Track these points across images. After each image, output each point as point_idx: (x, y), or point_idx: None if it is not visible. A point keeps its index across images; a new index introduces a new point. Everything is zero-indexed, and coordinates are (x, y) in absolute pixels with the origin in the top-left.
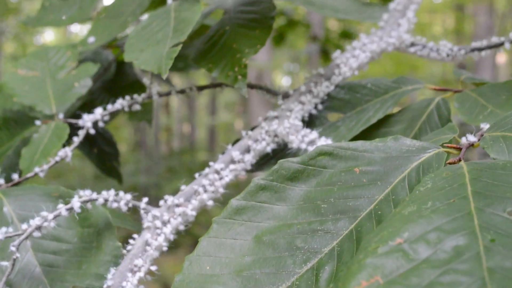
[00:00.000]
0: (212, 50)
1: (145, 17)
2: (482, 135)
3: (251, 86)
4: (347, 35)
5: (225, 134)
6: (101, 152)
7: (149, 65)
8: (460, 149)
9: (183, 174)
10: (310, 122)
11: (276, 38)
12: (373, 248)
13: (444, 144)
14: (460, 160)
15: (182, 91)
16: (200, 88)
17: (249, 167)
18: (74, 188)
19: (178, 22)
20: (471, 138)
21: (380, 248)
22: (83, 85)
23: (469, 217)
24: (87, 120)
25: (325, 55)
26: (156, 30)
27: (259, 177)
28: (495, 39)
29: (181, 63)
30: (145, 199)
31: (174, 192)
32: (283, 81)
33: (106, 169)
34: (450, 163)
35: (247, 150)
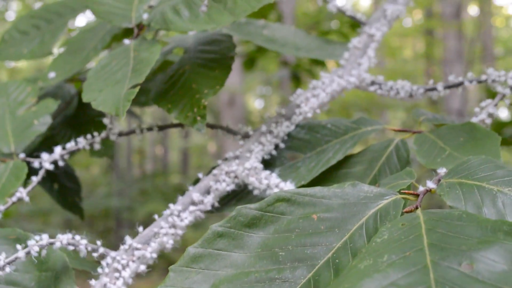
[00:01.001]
0: (172, 90)
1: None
2: (439, 181)
3: (211, 127)
4: (318, 61)
5: (198, 156)
6: (62, 188)
7: (107, 107)
8: (417, 195)
9: (156, 197)
10: (270, 162)
11: (246, 62)
12: None
13: (402, 191)
14: (417, 207)
15: (142, 130)
16: (161, 128)
17: (209, 208)
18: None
19: (137, 62)
20: (429, 184)
21: None
22: (43, 123)
23: (425, 271)
24: (45, 160)
25: (296, 79)
26: (115, 70)
27: (217, 224)
28: (452, 79)
29: (143, 98)
30: (99, 243)
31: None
32: (256, 104)
33: (68, 204)
34: (407, 212)
35: (207, 191)
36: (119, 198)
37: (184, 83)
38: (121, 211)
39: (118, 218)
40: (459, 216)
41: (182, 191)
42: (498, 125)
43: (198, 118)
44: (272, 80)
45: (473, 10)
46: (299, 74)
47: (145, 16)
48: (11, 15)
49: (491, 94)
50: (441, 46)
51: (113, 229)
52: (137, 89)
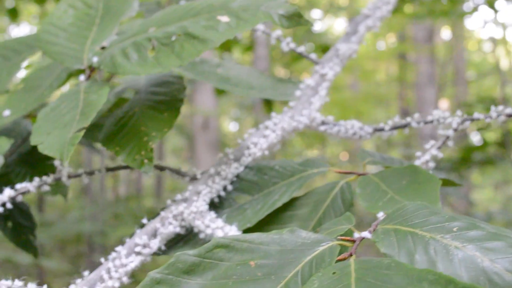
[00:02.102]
0: (120, 132)
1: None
2: (376, 227)
3: (160, 169)
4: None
5: (172, 180)
6: (16, 226)
7: (52, 151)
8: (354, 241)
9: (129, 220)
10: (219, 204)
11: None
12: None
13: (338, 237)
14: (351, 255)
15: (91, 173)
16: (109, 169)
17: (156, 252)
18: None
19: (85, 105)
20: (363, 233)
21: None
22: None
23: None
24: None
25: (268, 103)
26: (64, 112)
27: (155, 271)
28: (398, 120)
29: (101, 135)
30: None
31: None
32: (230, 127)
33: (21, 243)
34: (340, 259)
35: (154, 234)
36: (92, 222)
37: (133, 125)
38: (93, 235)
39: (90, 243)
40: (388, 265)
41: (155, 214)
42: (468, 150)
43: (145, 161)
44: (245, 103)
45: (445, 34)
46: (270, 99)
47: (96, 58)
48: None
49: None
50: (414, 70)
51: (85, 254)
52: (82, 133)
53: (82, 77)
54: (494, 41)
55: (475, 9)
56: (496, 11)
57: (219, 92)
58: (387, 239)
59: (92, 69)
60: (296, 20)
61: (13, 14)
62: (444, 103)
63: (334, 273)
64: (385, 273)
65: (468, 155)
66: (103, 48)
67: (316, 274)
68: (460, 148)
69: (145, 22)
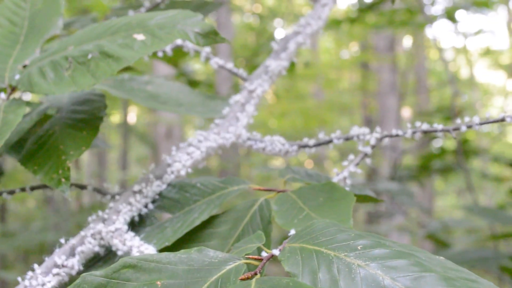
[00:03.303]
0: (40, 151)
1: None
2: (285, 245)
3: (79, 187)
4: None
5: None
6: None
7: None
8: (261, 260)
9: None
10: (140, 222)
11: None
12: None
13: (247, 255)
14: (255, 274)
15: (11, 192)
16: (33, 188)
17: (74, 272)
18: None
19: (3, 124)
20: (274, 250)
21: None
22: None
23: None
24: None
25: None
26: None
27: None
28: (323, 137)
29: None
30: None
31: None
32: None
33: None
34: (243, 279)
35: (73, 253)
36: (55, 232)
37: (51, 144)
38: (57, 245)
39: (53, 253)
40: (286, 284)
41: None
42: (428, 157)
43: (63, 180)
44: None
45: (407, 42)
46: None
47: (17, 76)
48: None
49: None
50: (376, 79)
51: None
52: None
53: (3, 96)
54: (446, 53)
55: (433, 20)
56: (455, 22)
57: None
58: (293, 257)
59: (13, 88)
60: (212, 38)
61: None
62: (406, 111)
63: None
64: None
65: (427, 163)
66: (24, 66)
67: None
68: (419, 156)
69: (66, 40)
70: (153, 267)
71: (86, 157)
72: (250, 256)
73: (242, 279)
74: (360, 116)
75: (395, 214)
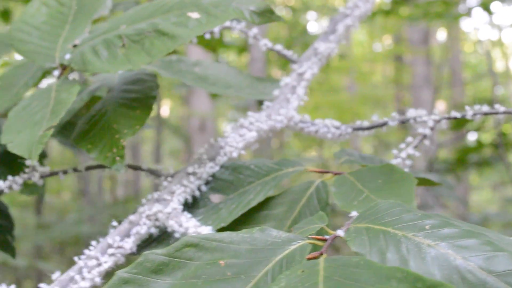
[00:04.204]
0: (93, 130)
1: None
2: (349, 226)
3: (133, 168)
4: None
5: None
6: None
7: (21, 150)
8: (326, 240)
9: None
10: (194, 203)
11: None
12: None
13: (310, 236)
14: (321, 254)
15: (65, 172)
16: (88, 168)
17: (129, 252)
18: None
19: (56, 103)
20: (338, 231)
21: None
22: None
23: None
24: None
25: (261, 104)
26: (35, 111)
27: (123, 270)
28: (376, 120)
29: (74, 133)
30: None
31: None
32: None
33: None
34: (310, 258)
35: (127, 234)
36: (90, 224)
37: (105, 123)
38: (92, 237)
39: (88, 245)
40: (356, 263)
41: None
42: (465, 151)
43: (117, 158)
44: (241, 105)
45: (441, 35)
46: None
47: (67, 56)
48: None
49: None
50: (410, 72)
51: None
52: (50, 132)
53: (56, 73)
54: (485, 44)
55: (469, 11)
56: (490, 13)
57: (213, 95)
58: (359, 237)
59: (64, 67)
60: (267, 16)
61: (5, 16)
62: (440, 105)
63: (302, 271)
64: (354, 271)
65: (463, 156)
66: (75, 46)
67: (284, 272)
68: (456, 149)
69: (117, 19)
70: (215, 246)
71: None
72: (314, 237)
73: (309, 258)
74: (394, 109)
75: (434, 206)
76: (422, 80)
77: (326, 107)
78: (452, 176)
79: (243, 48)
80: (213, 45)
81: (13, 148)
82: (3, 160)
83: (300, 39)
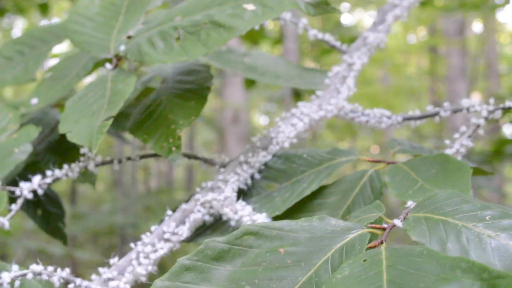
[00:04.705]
0: (148, 120)
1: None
2: (406, 215)
3: (188, 156)
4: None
5: (203, 173)
6: (46, 213)
7: (81, 139)
8: (384, 229)
9: (160, 213)
10: (247, 192)
11: (247, 81)
12: None
13: (369, 224)
14: (381, 242)
15: (120, 161)
16: (143, 157)
17: (184, 239)
18: None
19: (113, 94)
20: (395, 221)
21: None
22: (23, 151)
23: None
24: (24, 189)
25: (297, 96)
26: (92, 101)
27: (184, 257)
28: (430, 109)
29: (129, 123)
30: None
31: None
32: (260, 121)
33: (51, 230)
34: (370, 247)
35: (183, 221)
36: (124, 215)
37: (160, 113)
38: (125, 227)
39: (122, 235)
40: (419, 253)
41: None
42: (501, 143)
43: (173, 148)
44: (275, 96)
45: (476, 27)
46: (300, 91)
47: (122, 47)
48: (17, 33)
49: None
50: (445, 63)
51: (117, 245)
52: (110, 122)
53: (108, 66)
54: None
55: (506, 1)
56: None
57: (248, 85)
58: (418, 227)
59: (118, 58)
60: (323, 7)
61: (44, 9)
62: (476, 96)
63: (365, 260)
64: (417, 261)
65: (500, 148)
66: (129, 37)
67: (347, 261)
68: (492, 141)
69: (171, 11)
70: (275, 235)
71: None
72: (373, 225)
73: (370, 247)
74: (428, 101)
75: (473, 196)
76: (457, 71)
77: (360, 99)
78: (488, 168)
79: (278, 40)
80: (255, 36)
81: (73, 138)
82: (56, 150)
83: (334, 31)
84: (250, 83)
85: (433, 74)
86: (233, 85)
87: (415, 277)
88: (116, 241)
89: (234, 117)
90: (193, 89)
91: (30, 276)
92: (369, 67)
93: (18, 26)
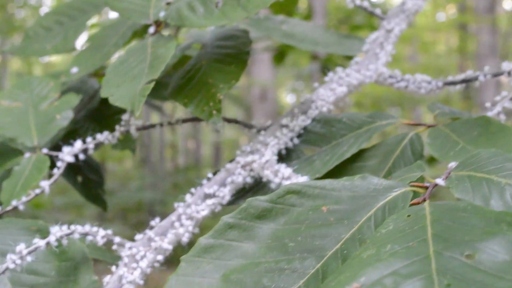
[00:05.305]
0: (188, 84)
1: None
2: (449, 174)
3: (227, 121)
4: (348, 55)
5: (230, 150)
6: (86, 180)
7: (123, 102)
8: (427, 188)
9: (188, 190)
10: (286, 155)
11: (276, 56)
12: None
13: (411, 183)
14: (424, 200)
15: (161, 124)
16: (184, 121)
17: (225, 201)
18: None
19: (153, 58)
20: (438, 179)
21: None
22: (65, 117)
23: (427, 261)
24: (66, 154)
25: (326, 73)
26: (133, 66)
27: (228, 216)
28: (470, 73)
29: (164, 92)
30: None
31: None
32: (287, 99)
33: (91, 196)
34: (414, 204)
35: (223, 184)
36: (152, 191)
37: (200, 78)
38: (153, 204)
39: (150, 211)
40: (464, 208)
41: None
42: None
43: (214, 112)
44: (303, 74)
45: (507, 4)
46: (329, 68)
47: (162, 13)
48: (45, 11)
49: None
50: (475, 41)
51: (145, 221)
52: (152, 85)
53: (151, 30)
54: None
55: None
56: None
57: (277, 61)
58: (462, 184)
59: (158, 23)
60: None
61: None
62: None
63: (409, 216)
64: (462, 216)
65: None
66: (168, 3)
67: (391, 217)
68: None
69: None
70: (317, 193)
71: None
72: (415, 184)
73: (413, 204)
74: None
75: None
76: (487, 49)
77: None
78: None
79: (307, 15)
80: (289, 7)
81: (115, 101)
82: (94, 118)
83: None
84: (279, 59)
85: (463, 52)
86: (260, 63)
87: (460, 231)
88: (144, 217)
89: (261, 95)
90: (232, 53)
91: (76, 236)
92: (398, 45)
93: (47, 4)
